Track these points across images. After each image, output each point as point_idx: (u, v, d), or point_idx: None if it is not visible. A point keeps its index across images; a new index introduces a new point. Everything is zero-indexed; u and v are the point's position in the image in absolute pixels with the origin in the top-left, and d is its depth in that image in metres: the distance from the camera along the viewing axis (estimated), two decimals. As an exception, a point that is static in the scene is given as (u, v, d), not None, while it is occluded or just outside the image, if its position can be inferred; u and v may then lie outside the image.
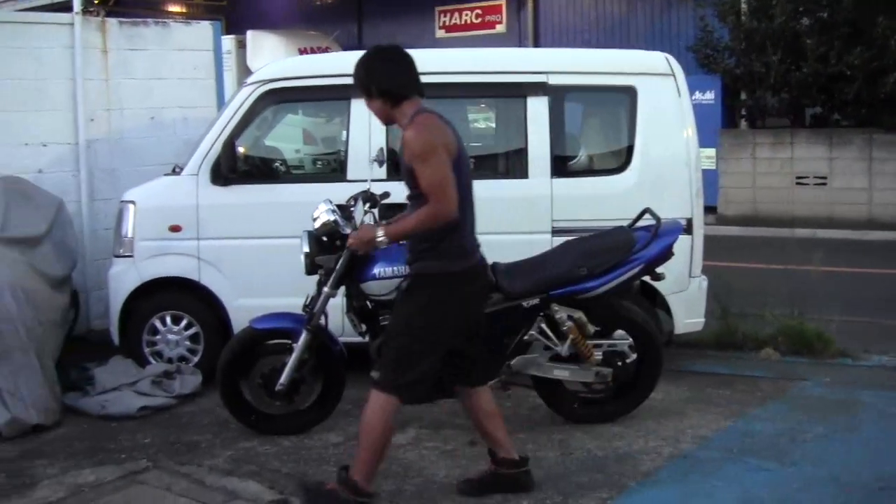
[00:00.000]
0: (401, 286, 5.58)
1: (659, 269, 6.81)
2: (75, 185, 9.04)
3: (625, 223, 7.01)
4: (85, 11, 9.28)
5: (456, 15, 25.95)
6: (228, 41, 20.63)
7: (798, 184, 18.50)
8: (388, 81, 5.27)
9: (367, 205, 6.63)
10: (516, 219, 7.86)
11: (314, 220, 6.29)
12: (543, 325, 6.61)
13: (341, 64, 8.48)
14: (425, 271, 5.31)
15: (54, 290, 7.68)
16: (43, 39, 8.89)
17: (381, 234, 5.35)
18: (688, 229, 7.80)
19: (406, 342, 5.35)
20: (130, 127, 9.34)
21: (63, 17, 9.28)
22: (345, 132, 8.08)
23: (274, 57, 17.35)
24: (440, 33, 26.12)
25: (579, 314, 6.59)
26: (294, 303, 6.54)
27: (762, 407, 7.33)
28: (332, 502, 5.39)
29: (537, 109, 7.96)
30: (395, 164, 7.52)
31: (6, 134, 8.63)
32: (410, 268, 5.43)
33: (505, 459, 5.77)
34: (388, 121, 5.47)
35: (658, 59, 8.26)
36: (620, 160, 8.14)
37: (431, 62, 8.31)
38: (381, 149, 7.53)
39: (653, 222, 6.74)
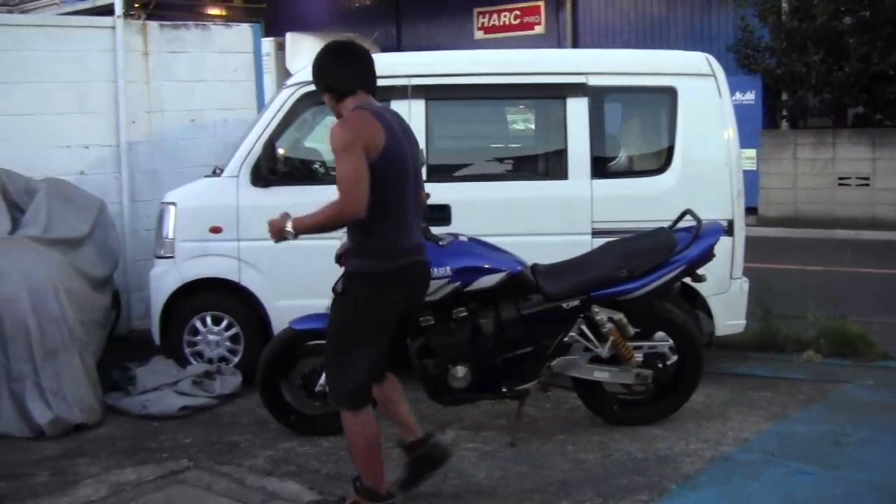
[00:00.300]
0: (336, 287, 5.42)
1: (700, 271, 6.78)
2: (117, 186, 9.11)
3: (665, 224, 6.99)
4: (126, 15, 9.36)
5: (494, 16, 25.92)
6: (268, 43, 20.74)
7: (840, 184, 18.34)
8: (332, 77, 5.35)
9: (407, 206, 6.63)
10: (556, 220, 7.85)
11: (354, 221, 6.31)
12: (584, 327, 6.60)
13: (380, 66, 8.48)
14: (353, 270, 5.26)
15: (96, 290, 7.74)
16: (85, 43, 8.96)
17: (289, 225, 5.30)
18: (729, 231, 7.73)
19: (339, 347, 5.29)
20: (171, 129, 9.40)
21: (105, 20, 9.36)
22: (384, 133, 8.07)
23: (313, 59, 17.39)
24: (479, 34, 26.10)
25: (620, 316, 6.57)
26: (334, 304, 6.55)
27: (804, 410, 7.28)
28: None
29: (577, 110, 7.92)
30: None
31: (49, 136, 8.70)
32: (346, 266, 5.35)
33: (415, 442, 5.71)
34: (337, 115, 5.41)
35: (699, 60, 8.21)
36: (661, 161, 8.10)
37: (471, 64, 8.35)
38: (421, 150, 7.49)
39: (694, 224, 6.72)
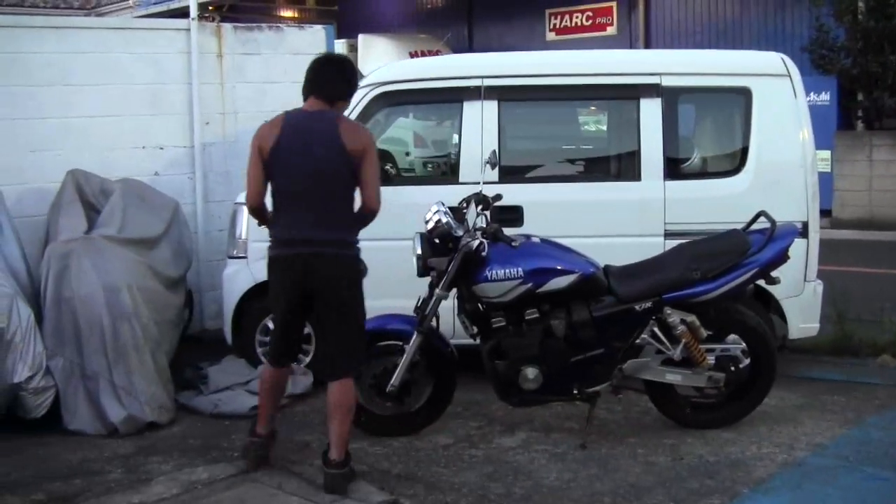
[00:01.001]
0: None
1: (774, 273, 6.70)
2: (190, 187, 9.20)
3: (739, 226, 6.92)
4: (201, 17, 9.44)
5: (566, 17, 25.82)
6: (340, 45, 20.82)
7: (917, 187, 18.02)
8: (303, 84, 6.13)
9: (480, 207, 6.64)
10: (628, 221, 7.78)
11: (426, 222, 6.34)
12: (656, 329, 6.56)
13: (453, 67, 8.55)
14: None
15: (170, 290, 7.81)
16: (160, 45, 9.05)
17: None
18: (803, 233, 7.63)
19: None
20: (244, 130, 9.41)
21: (180, 23, 9.44)
22: (457, 135, 8.08)
23: (385, 60, 17.46)
24: (550, 35, 26.02)
25: (692, 318, 6.52)
26: (406, 304, 6.57)
27: (879, 415, 7.17)
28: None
29: (650, 111, 7.86)
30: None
31: (125, 137, 8.79)
32: None
33: (261, 434, 6.28)
34: None
35: (773, 60, 8.10)
36: (735, 162, 8.00)
37: (544, 64, 8.33)
38: (494, 151, 7.46)
39: (768, 225, 6.65)
